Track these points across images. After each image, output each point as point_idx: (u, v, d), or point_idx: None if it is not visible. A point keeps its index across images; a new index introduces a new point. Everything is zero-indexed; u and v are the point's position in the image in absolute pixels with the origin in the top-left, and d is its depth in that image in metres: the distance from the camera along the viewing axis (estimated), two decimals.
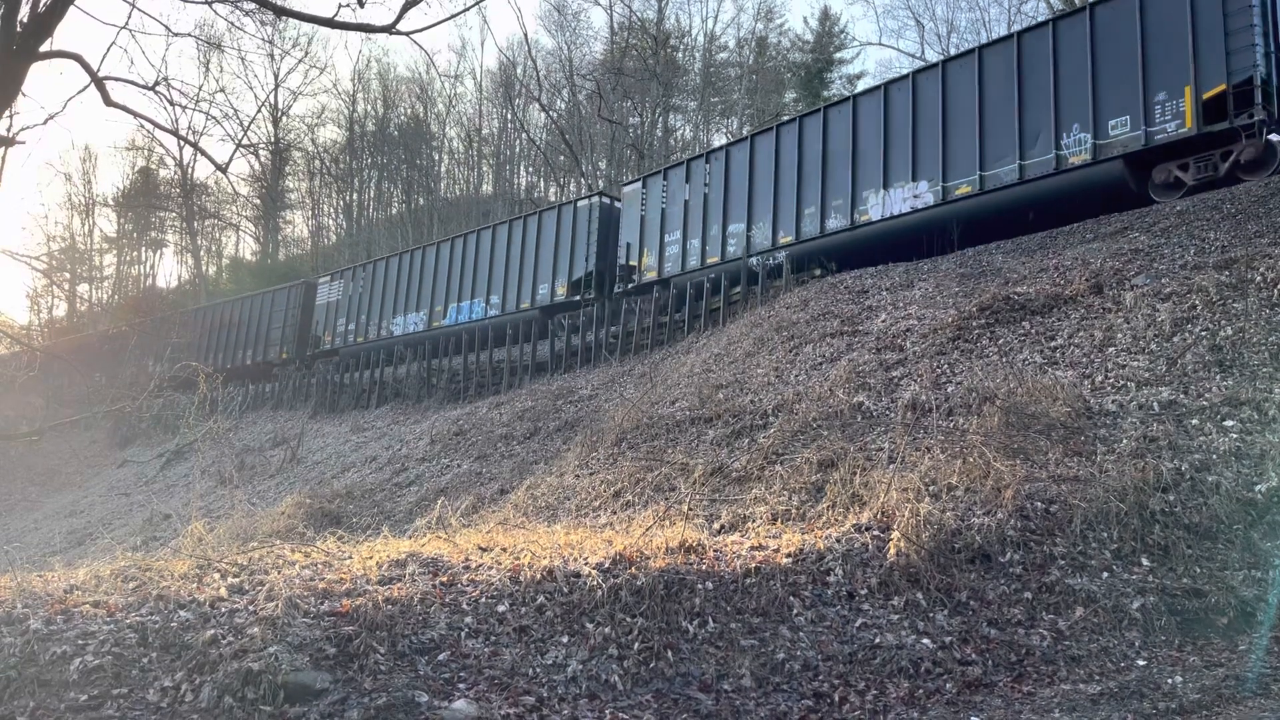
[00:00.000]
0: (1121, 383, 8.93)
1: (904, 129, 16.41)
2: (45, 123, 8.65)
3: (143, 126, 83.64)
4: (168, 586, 5.36)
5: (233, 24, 16.30)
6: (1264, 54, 12.80)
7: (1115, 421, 8.29)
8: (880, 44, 74.87)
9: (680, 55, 45.47)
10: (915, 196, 16.08)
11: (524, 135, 45.87)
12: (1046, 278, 12.10)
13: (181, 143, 45.18)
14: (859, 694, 5.09)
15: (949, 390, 9.92)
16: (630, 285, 20.80)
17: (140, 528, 17.64)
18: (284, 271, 45.00)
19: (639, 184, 21.70)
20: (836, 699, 5.03)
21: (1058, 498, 6.96)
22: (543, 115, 44.85)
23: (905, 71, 18.18)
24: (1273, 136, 12.88)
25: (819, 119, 17.88)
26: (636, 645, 5.22)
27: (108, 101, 8.17)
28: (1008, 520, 6.68)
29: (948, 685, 5.22)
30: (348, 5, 8.03)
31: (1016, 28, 19.74)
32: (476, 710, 4.40)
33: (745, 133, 23.45)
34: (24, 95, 7.67)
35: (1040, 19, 19.38)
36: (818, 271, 17.18)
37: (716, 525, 8.09)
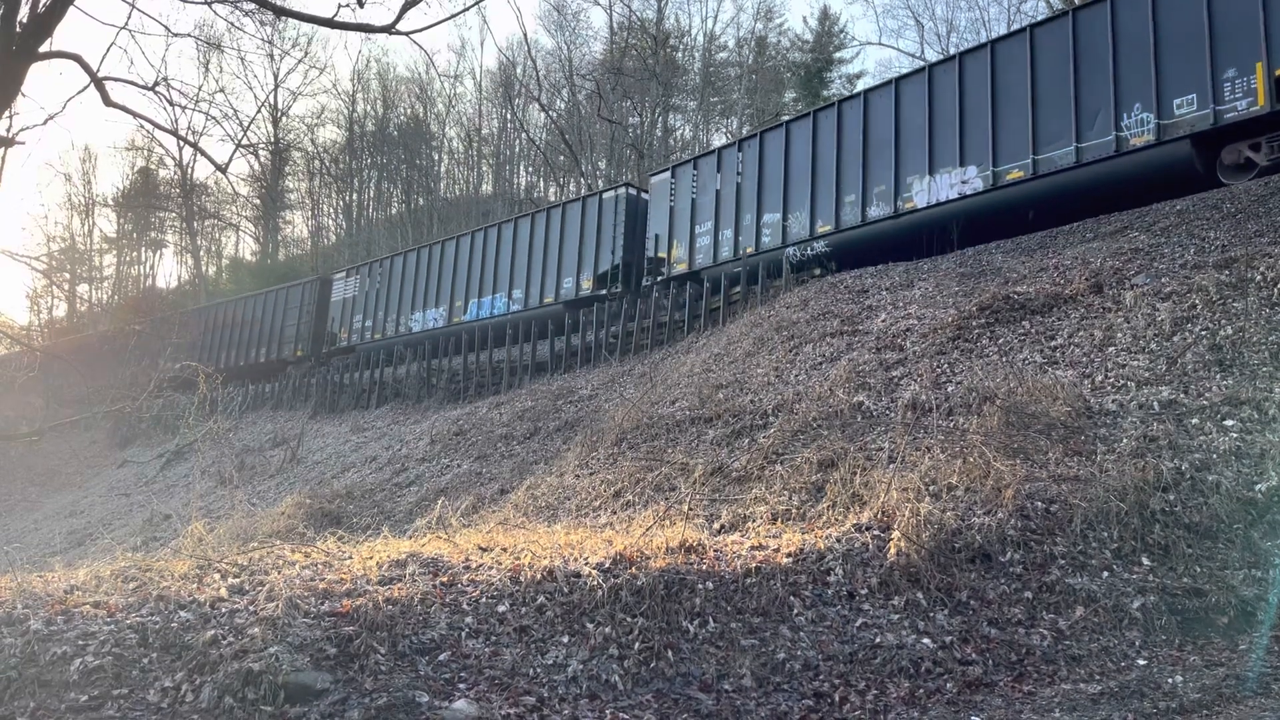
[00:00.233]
0: (1121, 382, 8.93)
1: (950, 112, 15.68)
2: (45, 123, 8.65)
3: (142, 127, 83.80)
4: (168, 587, 5.36)
5: (232, 24, 16.32)
6: None
7: (1115, 421, 8.29)
8: (880, 44, 74.99)
9: (680, 55, 45.48)
10: (963, 182, 15.35)
11: (524, 135, 45.92)
12: (1046, 277, 12.10)
13: (181, 143, 45.20)
14: (859, 694, 5.09)
15: (949, 390, 9.92)
16: (659, 278, 20.16)
17: (140, 528, 17.64)
18: (284, 271, 44.99)
19: (667, 174, 20.98)
20: (837, 699, 5.03)
21: (1058, 497, 6.97)
22: (542, 115, 44.90)
23: (951, 54, 17.46)
24: None
25: (859, 104, 17.23)
26: (637, 645, 5.22)
27: (107, 102, 8.16)
28: (1008, 520, 6.68)
29: (948, 685, 5.22)
30: (347, 5, 8.03)
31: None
32: (477, 710, 4.40)
33: (768, 124, 22.44)
34: (24, 95, 7.67)
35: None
36: (817, 271, 17.18)
37: (717, 525, 8.09)
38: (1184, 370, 8.72)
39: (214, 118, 46.96)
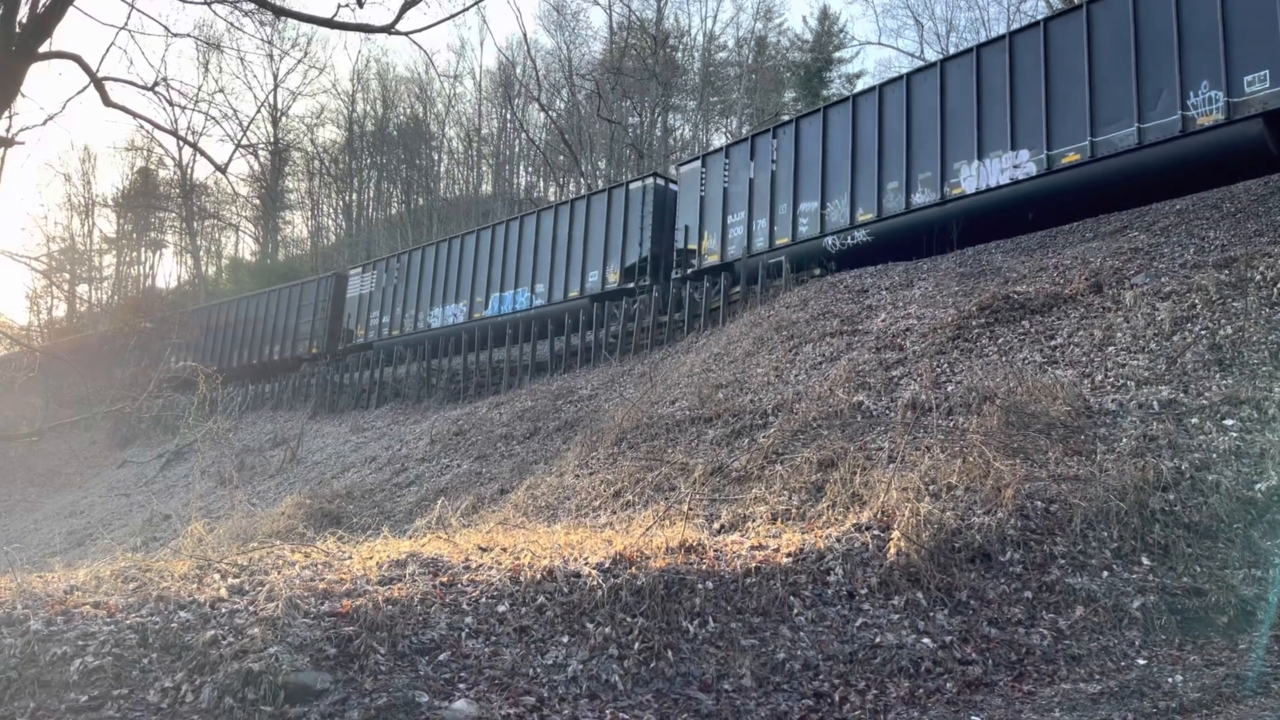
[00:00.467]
0: (1121, 382, 8.94)
1: (1000, 93, 14.96)
2: (45, 123, 8.65)
3: (142, 127, 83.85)
4: (168, 587, 5.36)
5: (232, 24, 16.32)
6: None
7: (1115, 420, 8.29)
8: (880, 43, 74.88)
9: (679, 55, 45.47)
10: (1015, 167, 14.60)
11: (523, 135, 45.91)
12: (1046, 277, 12.11)
13: (181, 143, 45.25)
14: (859, 693, 5.10)
15: (949, 389, 9.93)
16: (689, 270, 19.51)
17: (140, 528, 17.64)
18: (284, 272, 44.96)
19: (697, 163, 20.30)
20: (837, 698, 5.03)
21: (1058, 497, 6.97)
22: (542, 115, 44.90)
23: (1000, 33, 16.62)
24: None
25: (901, 87, 16.53)
26: (637, 645, 5.22)
27: (107, 102, 8.16)
28: (1008, 519, 6.68)
29: (948, 684, 5.22)
30: (347, 5, 8.03)
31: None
32: (477, 710, 4.40)
33: (803, 110, 21.10)
34: (23, 96, 7.67)
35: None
36: (817, 271, 17.16)
37: (716, 525, 8.09)
38: (1184, 370, 8.72)
39: (214, 118, 46.92)
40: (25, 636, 4.59)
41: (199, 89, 38.34)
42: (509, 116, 47.68)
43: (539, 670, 4.91)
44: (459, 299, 25.14)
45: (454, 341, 23.69)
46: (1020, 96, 14.78)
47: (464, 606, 5.38)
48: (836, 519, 7.37)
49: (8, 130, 8.08)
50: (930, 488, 7.45)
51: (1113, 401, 8.60)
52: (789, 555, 6.38)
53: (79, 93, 8.43)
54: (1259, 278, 9.52)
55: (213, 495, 18.13)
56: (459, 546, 6.57)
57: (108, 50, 19.10)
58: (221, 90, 46.81)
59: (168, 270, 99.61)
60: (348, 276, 29.89)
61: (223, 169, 10.45)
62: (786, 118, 23.71)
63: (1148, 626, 5.78)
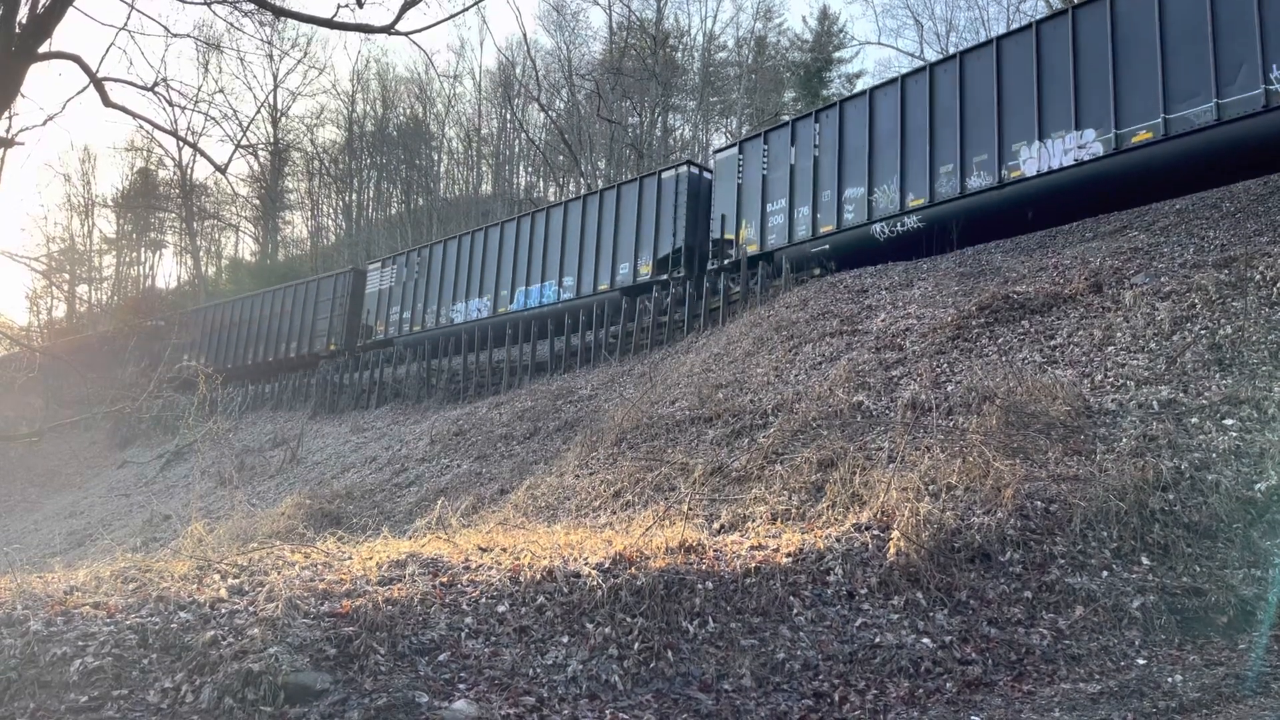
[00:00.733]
0: (1121, 381, 8.94)
1: (1062, 70, 14.16)
2: (44, 124, 8.64)
3: (142, 127, 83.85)
4: (168, 588, 5.36)
5: (231, 25, 16.32)
6: None
7: (1115, 420, 8.29)
8: (879, 43, 74.90)
9: (679, 55, 45.47)
10: (1080, 147, 13.82)
11: (523, 135, 45.90)
12: (1046, 277, 12.11)
13: (180, 143, 45.25)
14: (859, 693, 5.10)
15: (948, 389, 9.93)
16: (726, 261, 18.76)
17: (140, 529, 17.65)
18: (283, 272, 44.96)
19: (734, 150, 19.51)
20: (837, 698, 5.03)
21: (1057, 497, 6.97)
22: (542, 115, 44.89)
23: (1061, 7, 15.94)
24: None
25: (954, 66, 15.78)
26: (636, 645, 5.23)
27: (107, 102, 8.16)
28: (1007, 519, 6.68)
29: (948, 684, 5.22)
30: (346, 6, 8.03)
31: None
32: (477, 710, 4.40)
33: (848, 94, 20.11)
34: (23, 96, 7.66)
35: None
36: (817, 271, 17.15)
37: (716, 525, 8.09)
38: (1183, 369, 8.72)
39: (213, 118, 46.92)
40: (25, 637, 4.59)
41: (199, 89, 38.40)
42: (509, 116, 47.72)
43: (539, 670, 4.92)
44: (483, 294, 24.44)
45: (478, 337, 23.11)
46: (1084, 73, 13.94)
47: (464, 607, 5.38)
48: (836, 519, 7.37)
49: (8, 130, 8.08)
50: (930, 488, 7.45)
51: (1112, 401, 8.61)
52: (789, 555, 6.38)
53: (79, 93, 8.41)
54: (1259, 277, 9.53)
55: (213, 495, 18.14)
56: (459, 547, 6.57)
57: (107, 51, 19.13)
58: (221, 90, 46.85)
59: (167, 270, 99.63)
60: (366, 272, 29.24)
61: (223, 169, 10.46)
62: (829, 102, 22.87)
63: (1147, 626, 5.78)
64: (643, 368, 17.37)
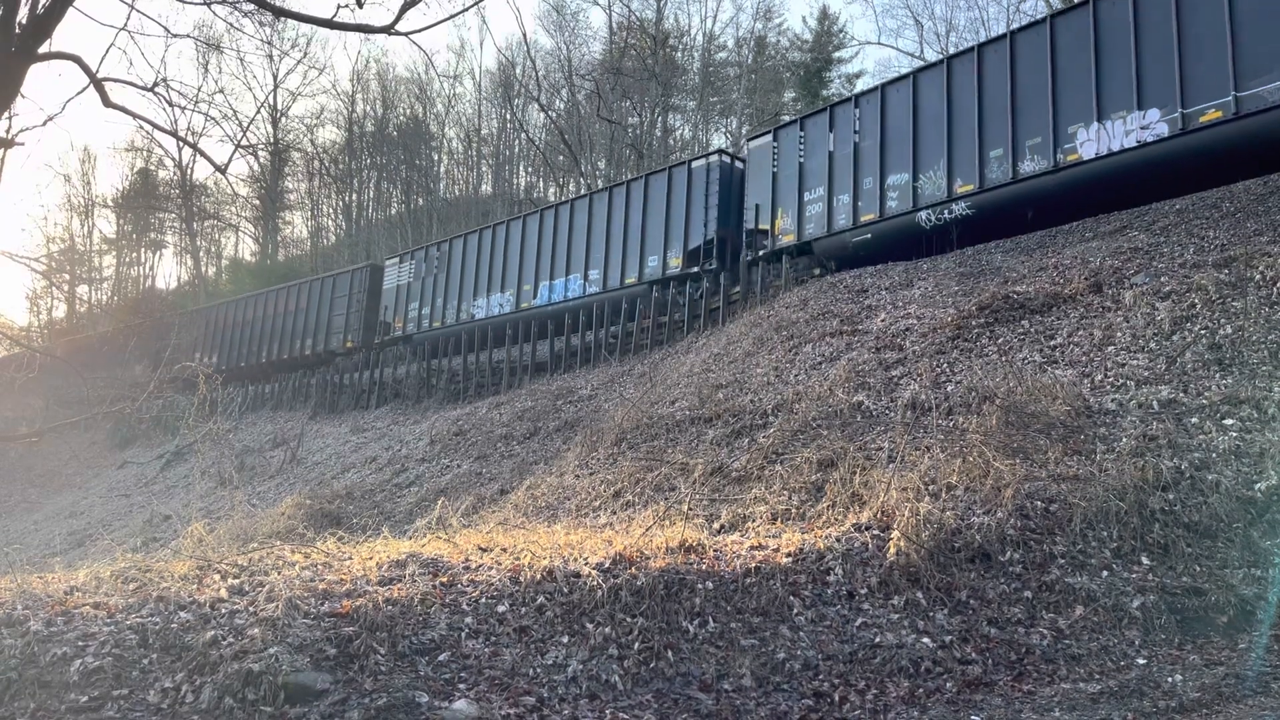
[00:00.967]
0: (1121, 381, 8.94)
1: (1122, 47, 13.48)
2: (44, 124, 8.60)
3: (142, 127, 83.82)
4: (168, 588, 5.36)
5: (231, 25, 16.28)
6: None
7: (1115, 420, 8.29)
8: (879, 43, 75.04)
9: (679, 55, 45.48)
10: (1143, 128, 13.17)
11: (523, 135, 45.91)
12: (1046, 277, 12.11)
13: (180, 144, 45.25)
14: (859, 693, 5.10)
15: (948, 389, 9.93)
16: (762, 251, 18.27)
17: (140, 529, 17.66)
18: (283, 272, 44.97)
19: (768, 137, 18.99)
20: (837, 698, 5.03)
21: (1057, 497, 6.97)
22: (542, 115, 44.90)
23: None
24: None
25: (1004, 46, 15.15)
26: (637, 645, 5.23)
27: (107, 103, 8.15)
28: (1007, 519, 6.68)
29: (948, 684, 5.22)
30: (346, 6, 8.02)
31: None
32: (477, 710, 4.40)
33: (889, 77, 19.51)
34: (23, 96, 7.65)
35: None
36: (817, 271, 17.15)
37: (716, 525, 8.09)
38: (1183, 369, 8.72)
39: (213, 118, 46.84)
40: (25, 637, 4.59)
41: (199, 89, 38.40)
42: (509, 117, 47.73)
43: (539, 670, 4.92)
44: (505, 288, 23.85)
45: (500, 333, 22.68)
46: (1146, 49, 13.28)
47: (464, 607, 5.38)
48: (836, 519, 7.37)
49: (8, 131, 8.07)
50: (930, 487, 7.45)
51: (1112, 401, 8.61)
52: (789, 555, 6.38)
53: (79, 93, 8.39)
54: (1259, 277, 9.53)
55: (213, 496, 18.13)
56: (459, 547, 6.57)
57: (107, 51, 19.15)
58: (221, 91, 46.90)
59: (167, 271, 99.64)
60: (384, 267, 28.72)
61: (222, 169, 10.43)
62: (869, 85, 22.04)
63: (1147, 626, 5.78)
64: (643, 368, 17.38)
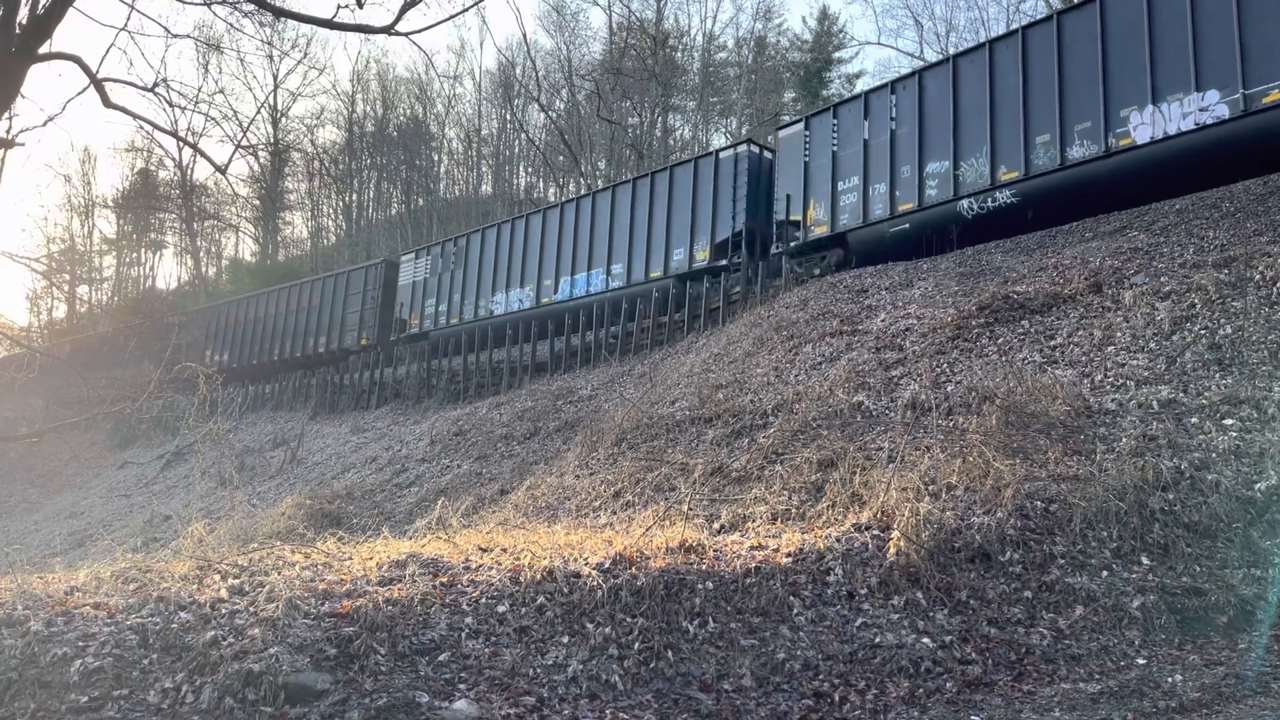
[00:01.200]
0: (1121, 381, 8.94)
1: (1179, 27, 12.95)
2: (45, 124, 8.60)
3: (142, 128, 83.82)
4: (168, 588, 5.37)
5: (231, 25, 16.31)
6: None
7: (1115, 420, 8.29)
8: (879, 43, 75.10)
9: (679, 55, 45.49)
10: (1201, 110, 12.73)
11: (523, 136, 45.92)
12: (1046, 277, 12.11)
13: (181, 144, 45.27)
14: (859, 693, 5.10)
15: (948, 389, 9.93)
16: (793, 244, 17.79)
17: (140, 529, 17.67)
18: (284, 272, 44.96)
19: (800, 125, 18.44)
20: (837, 698, 5.03)
21: (1057, 497, 6.97)
22: (542, 115, 44.91)
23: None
24: None
25: (1050, 28, 14.68)
26: (637, 645, 5.23)
27: (107, 103, 8.15)
28: (1007, 519, 6.68)
29: (948, 684, 5.22)
30: (346, 6, 8.02)
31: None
32: (477, 711, 4.40)
33: (926, 64, 19.10)
34: (23, 97, 7.65)
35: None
36: (816, 271, 17.15)
37: (716, 525, 8.09)
38: (1183, 369, 8.72)
39: (213, 119, 46.84)
40: (26, 637, 4.59)
41: (199, 90, 38.40)
42: (509, 117, 47.74)
43: (539, 670, 4.92)
44: (524, 283, 23.37)
45: (519, 329, 22.27)
46: (1205, 28, 12.79)
47: (464, 607, 5.38)
48: (836, 519, 7.37)
49: (8, 131, 8.07)
50: (930, 488, 7.45)
51: (1112, 401, 8.61)
52: (789, 555, 6.39)
53: (79, 94, 8.37)
54: (1259, 277, 9.53)
55: (213, 496, 18.13)
56: (459, 547, 6.57)
57: (108, 51, 19.18)
58: (221, 91, 46.90)
59: (168, 271, 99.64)
60: (399, 263, 28.23)
61: (223, 170, 10.43)
62: (905, 71, 21.43)
63: (1147, 626, 5.79)
64: (643, 368, 17.38)
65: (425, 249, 27.62)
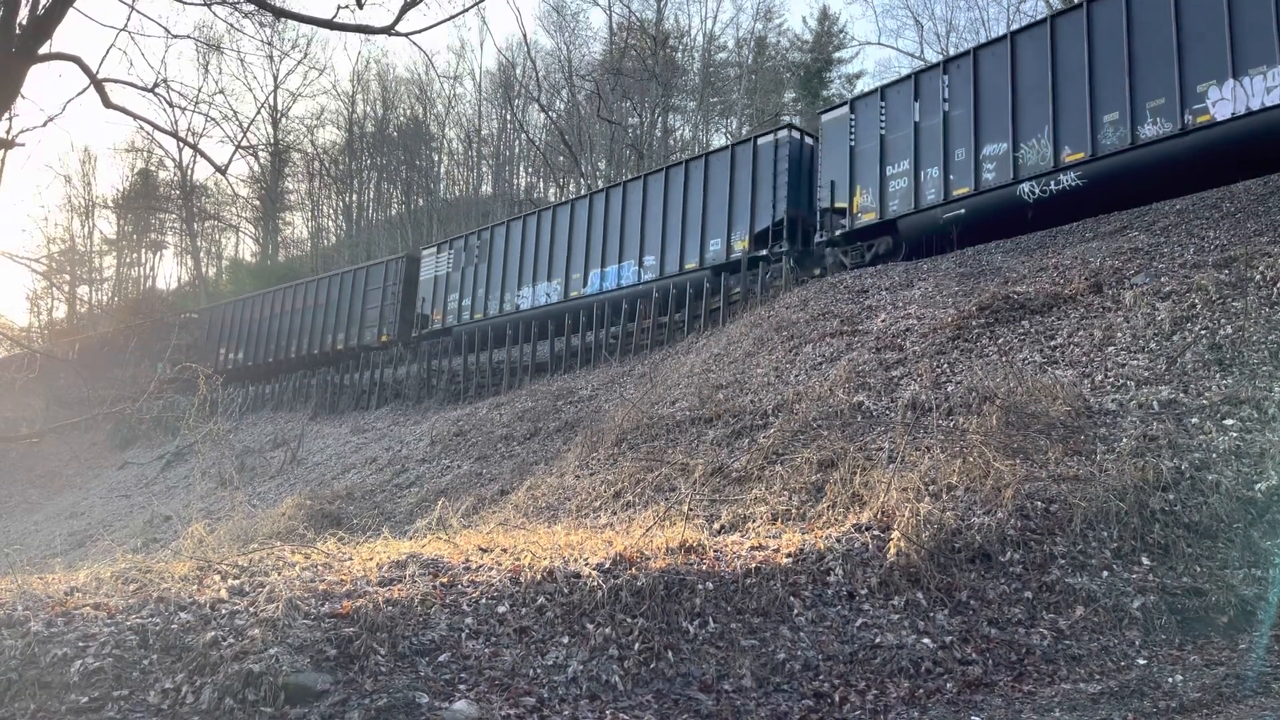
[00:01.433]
0: (1121, 382, 8.94)
1: None
2: (45, 125, 8.61)
3: (142, 128, 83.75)
4: (168, 588, 5.37)
5: (231, 26, 16.29)
6: None
7: (1115, 420, 8.29)
8: (879, 44, 75.09)
9: (679, 55, 45.47)
10: None
11: (523, 136, 45.91)
12: (1046, 277, 12.11)
13: (181, 144, 45.26)
14: (859, 694, 5.10)
15: (949, 390, 9.93)
16: (839, 232, 17.15)
17: (141, 529, 17.66)
18: (284, 273, 44.96)
19: (844, 109, 17.77)
20: (837, 699, 5.03)
21: (1058, 497, 6.97)
22: (542, 116, 44.91)
23: None
24: None
25: (1119, 3, 13.82)
26: (637, 646, 5.23)
27: (107, 103, 8.15)
28: (1008, 520, 6.68)
29: (948, 685, 5.22)
30: (346, 7, 8.03)
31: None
32: (477, 711, 4.40)
33: (981, 41, 18.20)
34: (23, 97, 7.65)
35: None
36: (817, 272, 17.15)
37: (716, 525, 8.09)
38: (1184, 370, 8.72)
39: (213, 119, 46.79)
40: (26, 638, 4.59)
41: (199, 90, 38.35)
42: (509, 117, 47.73)
43: (539, 671, 4.92)
44: (552, 277, 22.65)
45: (550, 323, 21.70)
46: None
47: (464, 607, 5.38)
48: (836, 519, 7.37)
49: (8, 132, 8.07)
50: (930, 488, 7.45)
51: (1113, 401, 8.61)
52: (789, 555, 6.38)
53: (79, 94, 8.36)
54: (1259, 278, 9.53)
55: (213, 496, 18.13)
56: (459, 547, 6.57)
57: (108, 52, 19.17)
58: (221, 91, 46.89)
59: (168, 271, 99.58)
60: (420, 258, 27.40)
61: (223, 170, 10.43)
62: (960, 50, 20.71)
63: (1148, 626, 5.78)
64: (643, 368, 17.38)
65: (448, 243, 26.91)
